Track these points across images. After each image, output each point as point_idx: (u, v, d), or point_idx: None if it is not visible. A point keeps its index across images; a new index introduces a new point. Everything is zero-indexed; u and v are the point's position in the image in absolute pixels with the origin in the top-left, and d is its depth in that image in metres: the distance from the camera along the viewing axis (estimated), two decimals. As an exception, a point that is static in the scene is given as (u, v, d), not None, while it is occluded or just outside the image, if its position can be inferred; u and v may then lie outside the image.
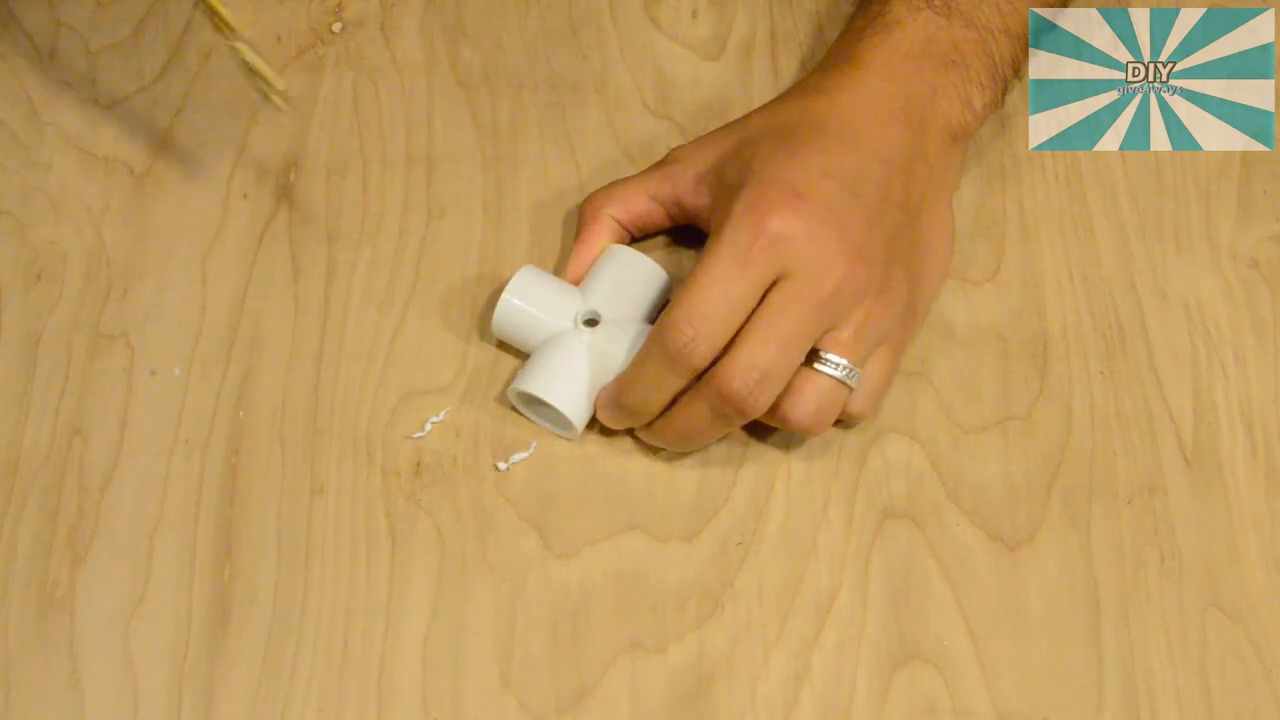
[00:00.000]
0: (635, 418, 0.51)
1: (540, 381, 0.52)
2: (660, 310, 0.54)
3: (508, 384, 0.54)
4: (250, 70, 0.50)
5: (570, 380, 0.52)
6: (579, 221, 0.56)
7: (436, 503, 0.52)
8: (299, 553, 0.51)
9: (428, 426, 0.54)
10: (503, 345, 0.55)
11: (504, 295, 0.53)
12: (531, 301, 0.53)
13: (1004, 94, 0.56)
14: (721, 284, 0.48)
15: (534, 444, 0.54)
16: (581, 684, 0.50)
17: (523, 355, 0.55)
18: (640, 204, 0.55)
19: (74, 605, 0.50)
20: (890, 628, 0.51)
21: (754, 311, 0.49)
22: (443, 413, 0.54)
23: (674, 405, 0.51)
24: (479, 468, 0.53)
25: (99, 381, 0.54)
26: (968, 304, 0.57)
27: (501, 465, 0.53)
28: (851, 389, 0.50)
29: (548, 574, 0.51)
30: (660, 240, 0.58)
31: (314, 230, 0.58)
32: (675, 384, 0.50)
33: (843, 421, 0.52)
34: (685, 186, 0.54)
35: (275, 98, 0.51)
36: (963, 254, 0.58)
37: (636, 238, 0.57)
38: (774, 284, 0.49)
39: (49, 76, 0.61)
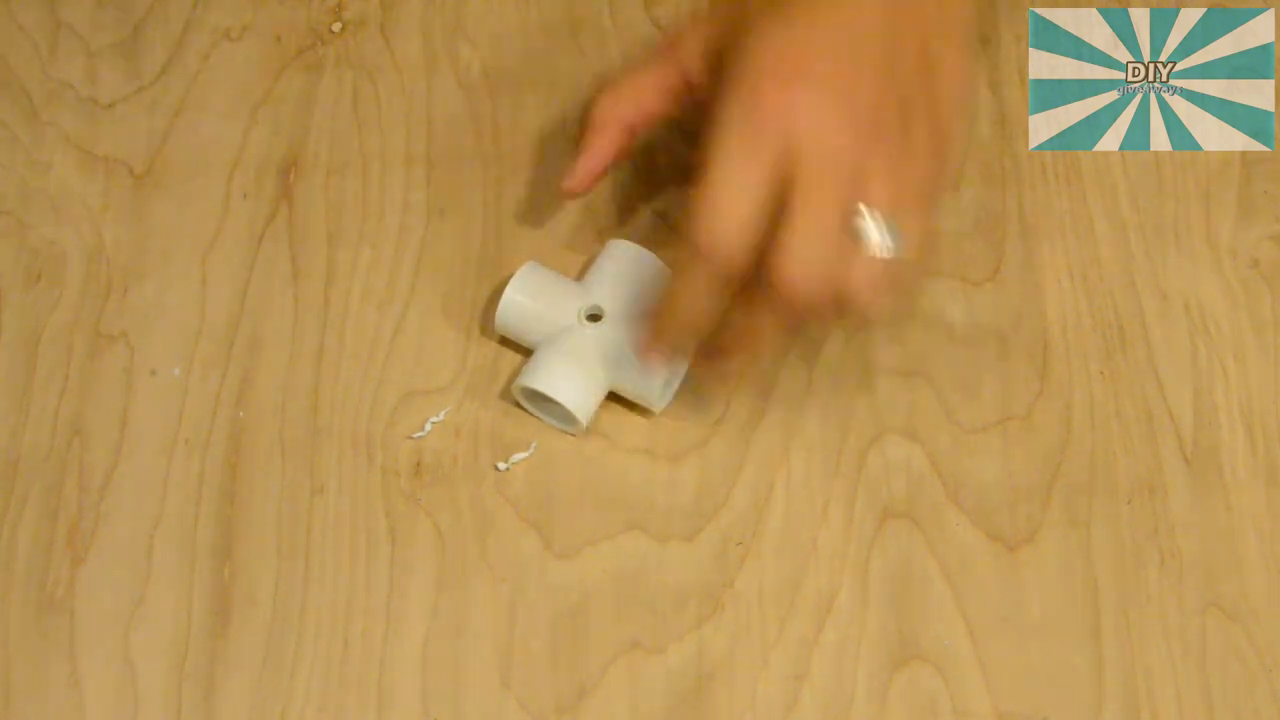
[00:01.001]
0: (686, 334, 0.49)
1: (545, 377, 0.52)
2: (650, 295, 0.54)
3: (510, 381, 0.54)
4: None
5: (575, 375, 0.52)
6: (586, 127, 0.53)
7: (436, 503, 0.52)
8: (299, 553, 0.51)
9: (428, 426, 0.54)
10: (504, 341, 0.55)
11: (507, 291, 0.53)
12: (535, 297, 0.53)
13: None
14: (736, 174, 0.46)
15: (534, 444, 0.54)
16: (581, 684, 0.50)
17: (524, 351, 0.55)
18: (653, 101, 0.53)
19: (74, 605, 0.50)
20: (890, 628, 0.51)
21: (786, 205, 0.46)
22: (443, 413, 0.54)
23: (737, 327, 0.49)
24: (479, 468, 0.53)
25: (99, 381, 0.54)
26: (968, 304, 0.57)
27: (501, 465, 0.53)
28: (896, 249, 0.47)
29: (548, 574, 0.51)
30: (656, 235, 0.58)
31: (314, 230, 0.58)
32: (718, 287, 0.47)
33: (895, 287, 0.49)
34: (693, 68, 0.51)
35: None
36: (963, 254, 0.58)
37: (640, 135, 0.54)
38: (791, 168, 0.46)
39: (49, 76, 0.61)
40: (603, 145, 0.53)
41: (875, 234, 0.47)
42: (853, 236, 0.47)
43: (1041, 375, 0.56)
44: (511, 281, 0.53)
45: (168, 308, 0.56)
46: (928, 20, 0.49)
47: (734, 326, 0.49)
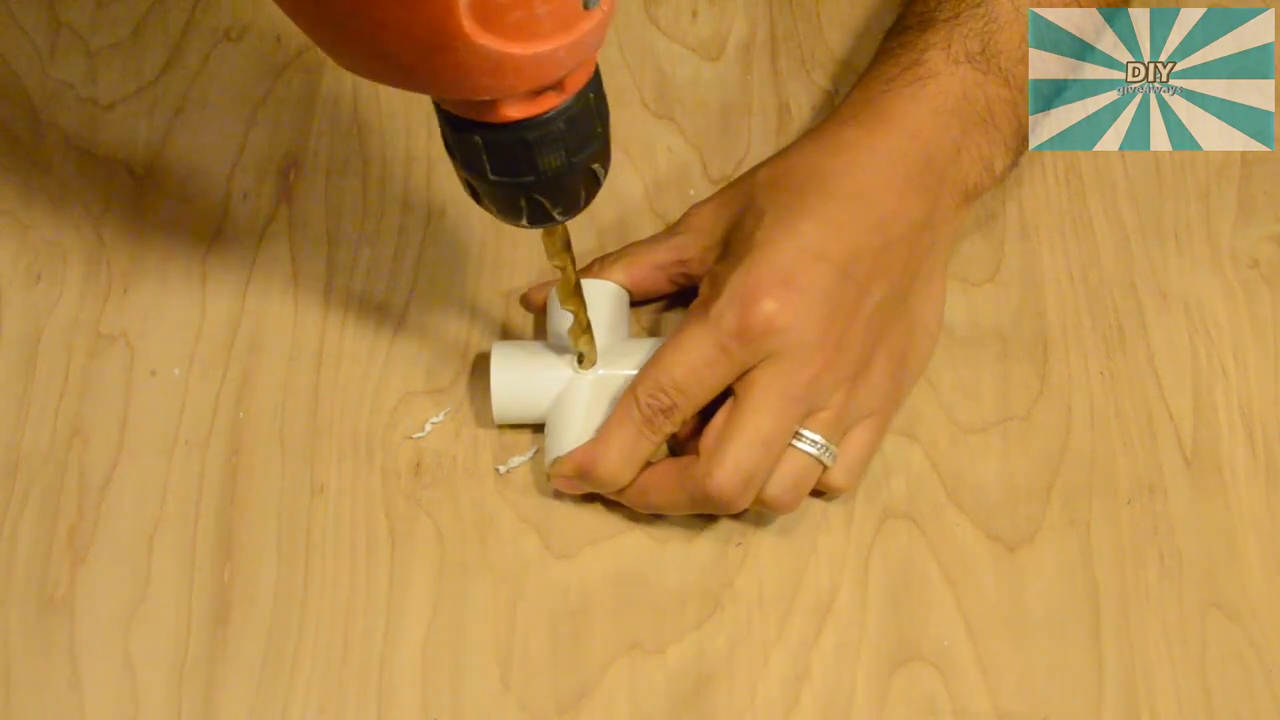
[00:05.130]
0: (603, 487, 0.50)
1: (574, 440, 0.51)
2: (628, 322, 0.54)
3: (537, 455, 0.53)
4: (579, 335, 0.51)
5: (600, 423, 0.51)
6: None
7: (436, 503, 0.52)
8: (299, 553, 0.51)
9: (428, 427, 0.54)
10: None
11: (493, 376, 0.52)
12: (521, 371, 0.52)
13: (1021, 155, 0.54)
14: (703, 361, 0.48)
15: (533, 447, 0.54)
16: (581, 684, 0.50)
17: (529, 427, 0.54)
18: (644, 273, 0.54)
19: (74, 605, 0.50)
20: (890, 628, 0.51)
21: (735, 399, 0.48)
22: (443, 413, 0.54)
23: (652, 485, 0.50)
24: (479, 468, 0.53)
25: (99, 381, 0.54)
26: (968, 304, 0.57)
27: (501, 469, 0.53)
28: (826, 466, 0.50)
29: (548, 574, 0.51)
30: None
31: (314, 230, 0.58)
32: (649, 450, 0.50)
33: (822, 495, 0.52)
34: (693, 256, 0.53)
35: (583, 356, 0.51)
36: (963, 254, 0.58)
37: (638, 302, 0.56)
38: (755, 366, 0.48)
39: (49, 76, 0.61)
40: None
41: (809, 453, 0.49)
42: (786, 447, 0.49)
43: (1041, 375, 0.56)
44: (493, 366, 0.52)
45: (168, 308, 0.56)
46: (919, 247, 0.51)
47: (654, 490, 0.50)
